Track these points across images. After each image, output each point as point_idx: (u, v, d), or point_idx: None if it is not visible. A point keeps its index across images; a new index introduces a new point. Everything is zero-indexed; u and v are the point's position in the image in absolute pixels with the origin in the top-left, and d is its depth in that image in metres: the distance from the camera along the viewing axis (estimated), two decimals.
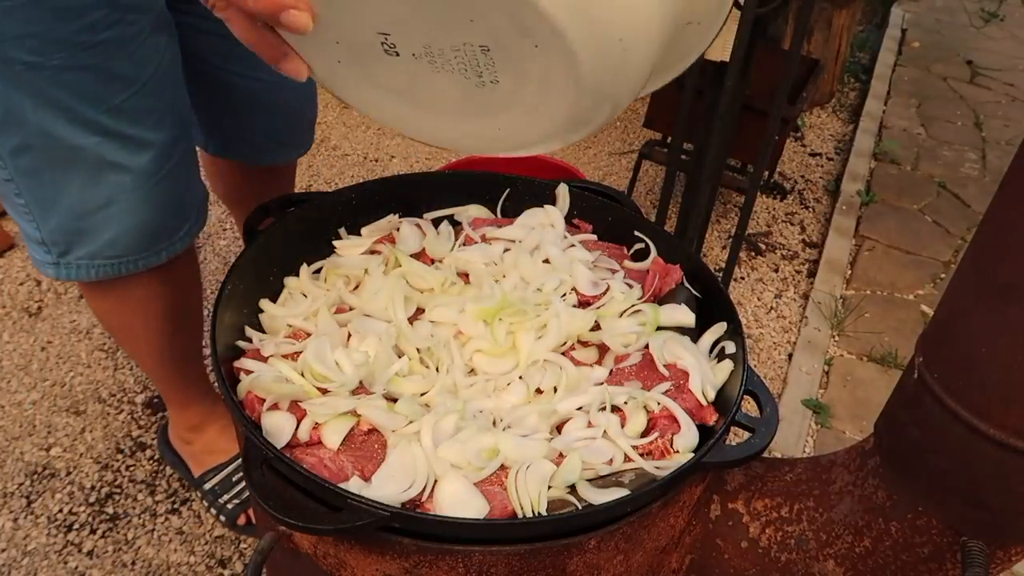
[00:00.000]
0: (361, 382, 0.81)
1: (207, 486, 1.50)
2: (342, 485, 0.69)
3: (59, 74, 0.91)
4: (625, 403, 0.81)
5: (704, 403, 0.82)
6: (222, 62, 1.23)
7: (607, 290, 0.95)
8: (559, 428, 0.81)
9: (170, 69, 1.03)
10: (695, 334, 0.92)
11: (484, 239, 1.03)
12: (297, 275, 0.96)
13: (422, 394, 0.83)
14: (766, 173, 2.63)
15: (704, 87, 1.63)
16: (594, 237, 1.06)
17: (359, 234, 1.03)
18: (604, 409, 0.80)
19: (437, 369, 0.87)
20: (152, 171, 1.04)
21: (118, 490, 1.54)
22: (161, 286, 1.20)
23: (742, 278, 2.29)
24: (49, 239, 1.06)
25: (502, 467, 0.73)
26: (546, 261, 0.98)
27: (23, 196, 1.01)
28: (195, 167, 1.17)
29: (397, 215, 1.05)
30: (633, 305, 0.93)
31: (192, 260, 1.29)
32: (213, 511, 1.50)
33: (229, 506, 1.48)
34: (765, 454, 0.79)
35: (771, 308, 2.20)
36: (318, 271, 0.98)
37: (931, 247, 2.53)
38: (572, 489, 0.73)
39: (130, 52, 0.95)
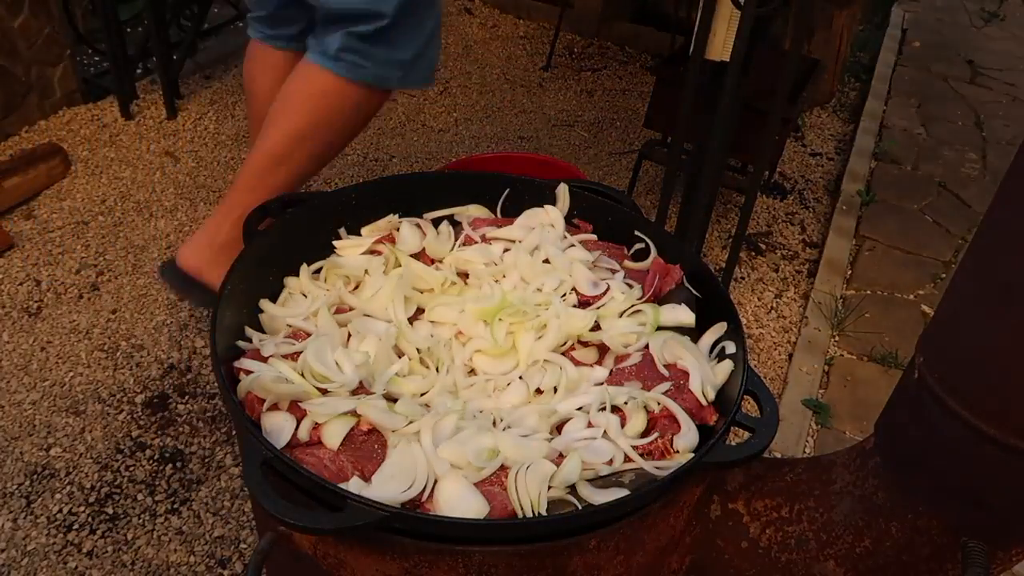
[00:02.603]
0: (361, 382, 0.81)
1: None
2: (342, 485, 0.69)
3: None
4: (625, 403, 0.81)
5: (704, 403, 0.82)
6: None
7: (607, 290, 0.95)
8: (559, 428, 0.81)
9: None
10: (695, 334, 0.92)
11: (484, 239, 1.03)
12: (297, 275, 0.96)
13: (422, 394, 0.83)
14: (766, 173, 2.63)
15: (704, 87, 1.63)
16: (594, 237, 1.06)
17: (359, 234, 1.03)
18: (604, 409, 0.80)
19: (437, 369, 0.87)
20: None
21: (118, 490, 1.54)
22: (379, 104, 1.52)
23: (742, 278, 2.29)
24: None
25: (502, 467, 0.73)
26: (546, 261, 0.98)
27: None
28: None
29: (397, 215, 1.05)
30: (633, 305, 0.93)
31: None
32: None
33: None
34: (765, 454, 0.79)
35: (771, 308, 2.20)
36: (318, 271, 0.98)
37: (931, 247, 2.53)
38: (572, 489, 0.73)
39: None
